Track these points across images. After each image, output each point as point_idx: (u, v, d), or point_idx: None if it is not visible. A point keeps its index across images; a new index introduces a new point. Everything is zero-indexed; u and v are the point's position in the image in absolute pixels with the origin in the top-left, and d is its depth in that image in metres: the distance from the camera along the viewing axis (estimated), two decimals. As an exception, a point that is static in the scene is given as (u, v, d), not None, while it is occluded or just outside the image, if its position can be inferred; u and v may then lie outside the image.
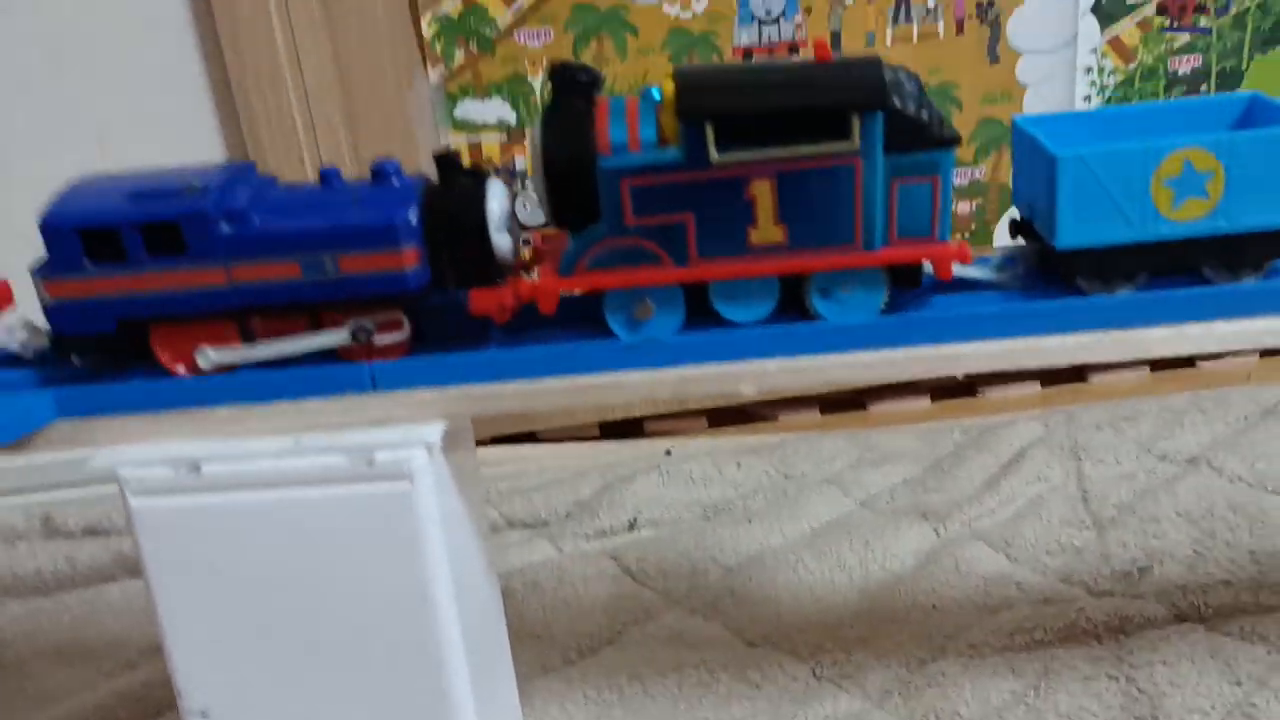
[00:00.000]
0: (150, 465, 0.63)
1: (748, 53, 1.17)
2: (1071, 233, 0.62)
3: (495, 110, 1.17)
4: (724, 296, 0.64)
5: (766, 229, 0.62)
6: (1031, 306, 0.64)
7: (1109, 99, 1.22)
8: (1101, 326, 0.63)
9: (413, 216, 0.61)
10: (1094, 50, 1.20)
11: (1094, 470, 1.15)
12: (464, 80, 1.16)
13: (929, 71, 1.19)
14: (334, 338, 0.64)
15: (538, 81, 1.16)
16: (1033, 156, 0.65)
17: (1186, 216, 0.61)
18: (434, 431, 0.64)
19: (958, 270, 0.64)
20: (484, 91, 1.16)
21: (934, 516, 1.09)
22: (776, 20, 1.16)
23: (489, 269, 0.64)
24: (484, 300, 0.64)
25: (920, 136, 0.61)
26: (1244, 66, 1.22)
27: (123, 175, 0.66)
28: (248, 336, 0.65)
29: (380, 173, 0.64)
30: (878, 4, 1.17)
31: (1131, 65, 1.21)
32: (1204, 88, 1.22)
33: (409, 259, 0.62)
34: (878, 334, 0.64)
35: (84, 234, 0.62)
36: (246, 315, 0.64)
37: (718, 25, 1.16)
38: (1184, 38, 1.20)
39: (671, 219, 0.62)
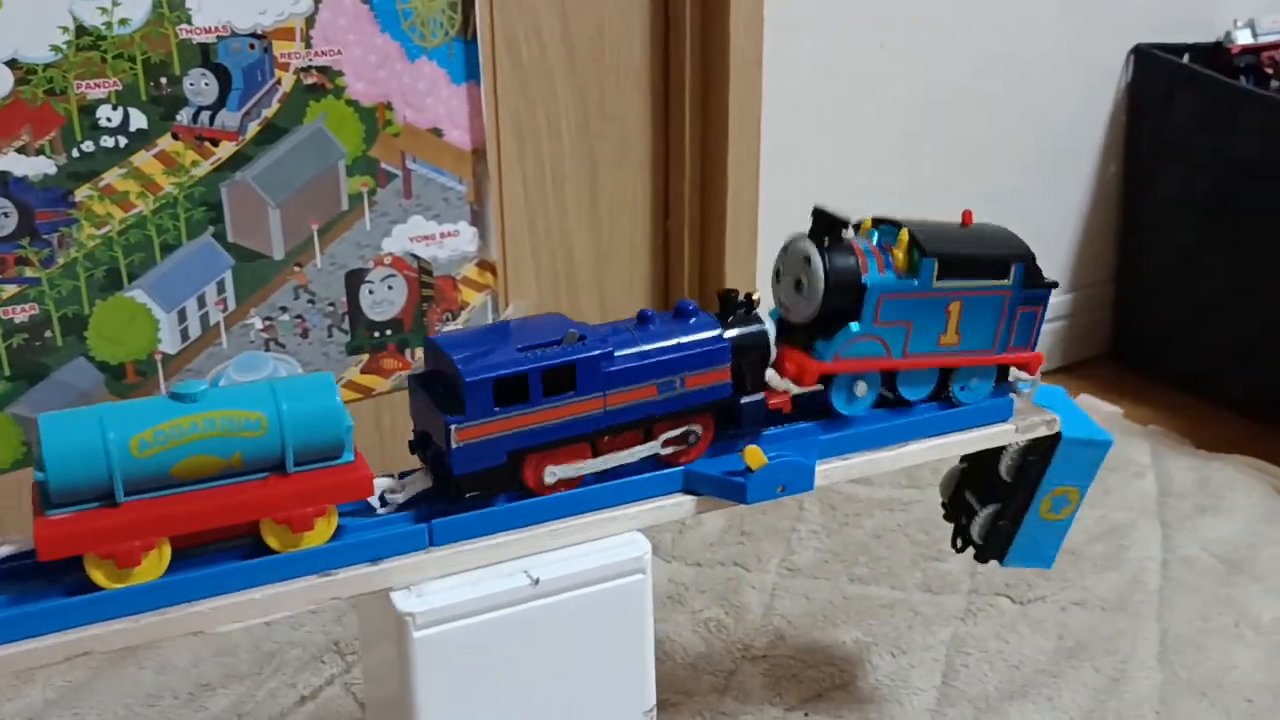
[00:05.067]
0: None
1: None
2: None
3: None
4: (907, 382, 0.88)
5: (951, 335, 0.88)
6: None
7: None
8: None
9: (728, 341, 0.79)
10: (-93, 305, 1.16)
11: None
12: None
13: None
14: (656, 446, 0.79)
15: None
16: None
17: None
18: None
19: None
20: None
21: None
22: None
23: (766, 375, 0.83)
24: (777, 398, 0.84)
25: (1038, 279, 0.90)
26: (87, 311, 1.24)
27: (468, 332, 0.78)
28: (597, 452, 0.78)
29: (683, 310, 0.80)
30: None
31: (-42, 317, 1.19)
32: (48, 334, 1.23)
33: (727, 374, 0.80)
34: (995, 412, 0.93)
35: (498, 384, 0.72)
36: (599, 435, 0.77)
37: None
38: (13, 289, 1.20)
39: (901, 324, 0.85)
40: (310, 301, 1.37)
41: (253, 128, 1.28)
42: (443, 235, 1.43)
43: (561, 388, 0.74)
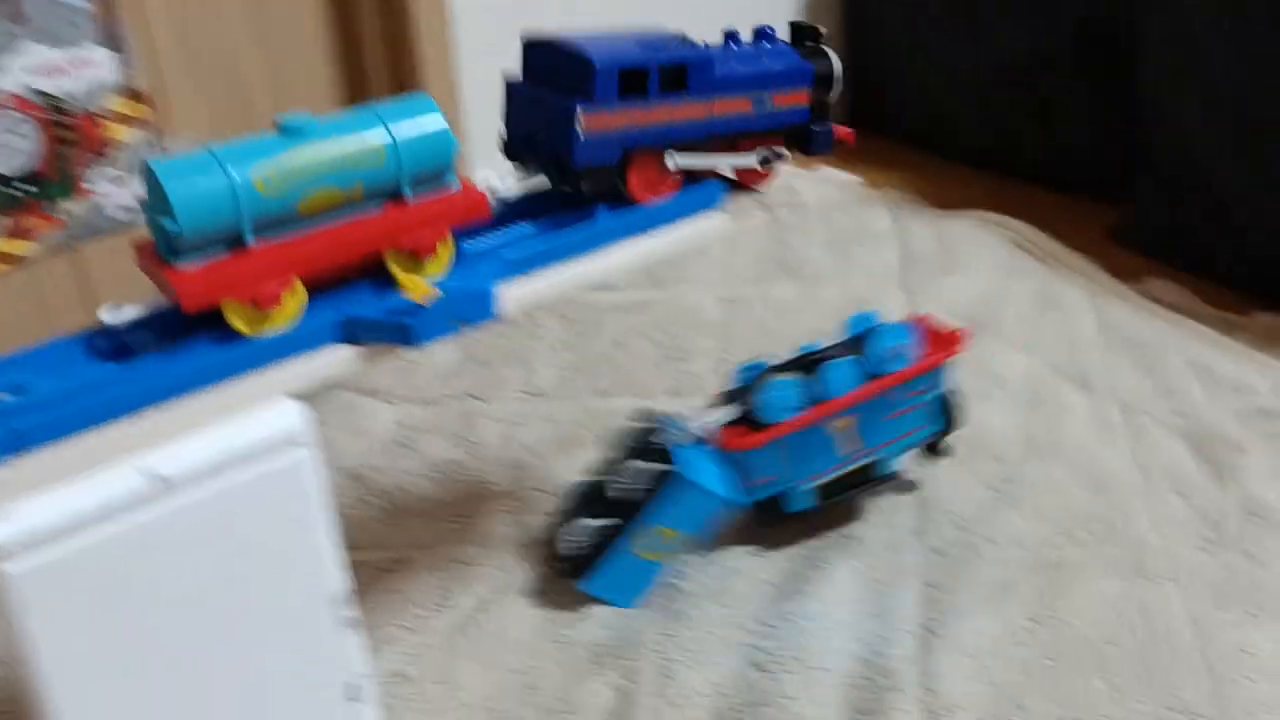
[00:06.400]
0: None
1: None
2: None
3: None
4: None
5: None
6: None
7: None
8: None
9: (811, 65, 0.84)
10: None
11: None
12: None
13: None
14: (750, 159, 0.82)
15: None
16: None
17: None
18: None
19: None
20: None
21: None
22: None
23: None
24: (842, 131, 0.87)
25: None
26: None
27: (577, 33, 0.76)
28: None
29: (763, 34, 0.83)
30: None
31: None
32: None
33: (807, 97, 0.84)
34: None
35: (624, 74, 0.73)
36: (697, 145, 0.79)
37: None
38: None
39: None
40: (-86, 161, 1.13)
41: None
42: (72, 64, 1.20)
43: (675, 86, 0.76)
